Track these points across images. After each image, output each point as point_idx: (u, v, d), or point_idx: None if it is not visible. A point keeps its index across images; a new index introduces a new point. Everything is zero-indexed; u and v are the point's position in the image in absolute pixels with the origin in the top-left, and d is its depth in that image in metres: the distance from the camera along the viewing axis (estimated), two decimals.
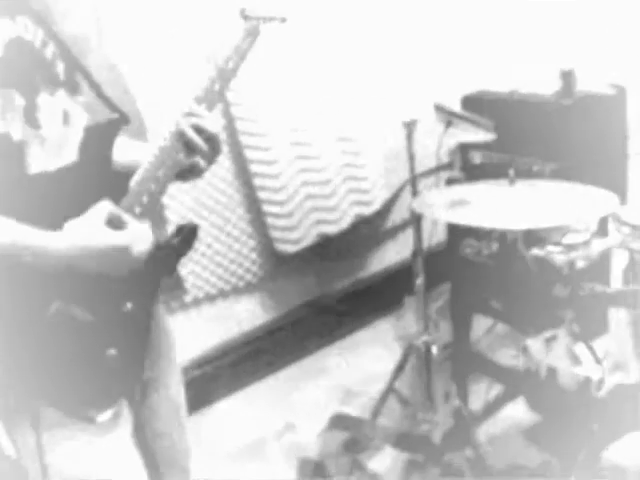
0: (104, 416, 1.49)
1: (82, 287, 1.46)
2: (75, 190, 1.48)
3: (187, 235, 1.64)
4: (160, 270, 1.60)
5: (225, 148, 3.16)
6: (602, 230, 2.35)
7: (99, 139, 1.58)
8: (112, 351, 1.49)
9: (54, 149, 1.47)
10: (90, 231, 1.42)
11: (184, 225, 1.64)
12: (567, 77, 3.17)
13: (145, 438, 1.72)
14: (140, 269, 1.50)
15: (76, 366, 1.46)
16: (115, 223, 1.45)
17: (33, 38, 1.50)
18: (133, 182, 1.53)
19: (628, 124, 3.24)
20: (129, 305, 1.52)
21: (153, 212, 1.54)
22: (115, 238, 1.43)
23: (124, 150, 1.68)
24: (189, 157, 1.58)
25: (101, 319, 1.48)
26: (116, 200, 1.49)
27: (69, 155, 1.50)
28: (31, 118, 1.44)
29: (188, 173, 1.63)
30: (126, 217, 1.47)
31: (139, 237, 1.47)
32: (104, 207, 1.44)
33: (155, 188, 1.53)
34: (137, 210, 1.50)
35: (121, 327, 1.52)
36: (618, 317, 2.50)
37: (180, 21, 2.90)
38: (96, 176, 1.55)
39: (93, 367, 1.48)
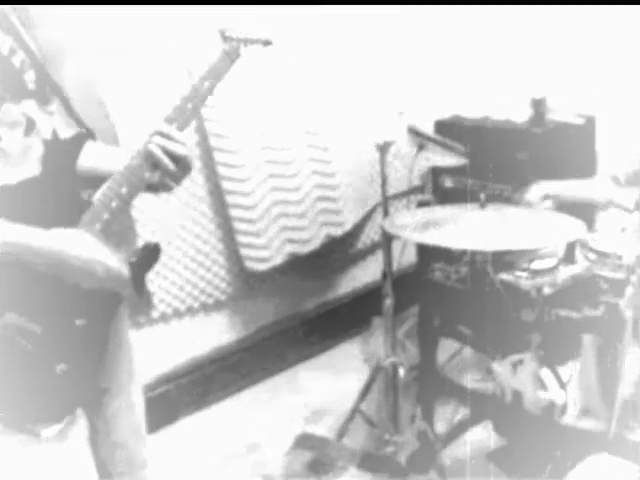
0: (50, 431, 1.47)
1: (34, 301, 1.44)
2: (37, 204, 1.46)
3: (147, 254, 1.61)
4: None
5: (198, 164, 3.16)
6: (569, 257, 2.38)
7: (63, 153, 1.56)
8: (62, 366, 1.46)
9: (14, 161, 1.45)
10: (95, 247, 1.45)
11: (146, 244, 1.62)
12: (538, 106, 3.23)
13: (101, 448, 1.70)
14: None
15: (23, 380, 1.44)
16: None
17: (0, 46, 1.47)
18: (95, 198, 1.51)
19: (597, 153, 3.30)
20: (82, 320, 1.50)
21: (115, 228, 1.52)
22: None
23: (93, 156, 1.66)
24: (157, 175, 1.56)
25: (51, 334, 1.46)
26: (78, 216, 1.48)
27: (31, 168, 1.47)
28: None
29: (157, 188, 1.61)
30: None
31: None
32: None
33: (117, 205, 1.50)
34: (97, 226, 1.48)
35: (73, 342, 1.49)
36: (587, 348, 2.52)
37: (160, 35, 2.90)
38: (58, 190, 1.53)
39: (41, 382, 1.46)
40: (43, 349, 1.45)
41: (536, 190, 2.45)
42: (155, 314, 3.18)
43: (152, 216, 3.04)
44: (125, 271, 1.50)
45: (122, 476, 1.78)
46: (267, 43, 1.64)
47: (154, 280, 3.11)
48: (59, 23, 2.32)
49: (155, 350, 3.12)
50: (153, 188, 1.60)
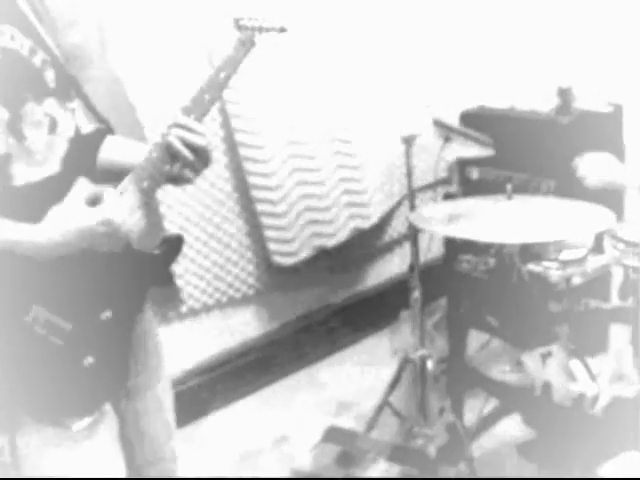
0: (80, 424, 1.49)
1: (60, 295, 1.46)
2: (59, 200, 1.48)
3: (171, 246, 1.63)
4: (144, 279, 1.60)
5: (225, 159, 3.17)
6: (598, 247, 2.36)
7: (83, 150, 1.57)
8: (89, 359, 1.48)
9: (39, 159, 1.46)
10: (72, 214, 1.44)
11: (169, 236, 1.64)
12: (565, 95, 3.20)
13: (130, 442, 1.71)
14: (124, 270, 1.52)
15: (51, 374, 1.46)
16: (95, 200, 1.47)
17: (20, 47, 1.47)
18: (117, 192, 1.52)
19: (624, 142, 3.26)
20: (108, 313, 1.52)
21: None
22: (96, 214, 1.45)
23: (112, 150, 1.67)
24: (176, 167, 1.57)
25: (79, 327, 1.47)
26: None
27: (53, 165, 1.49)
28: (15, 130, 1.43)
29: (176, 179, 1.62)
30: (105, 193, 1.48)
31: (119, 208, 1.48)
32: (82, 188, 1.48)
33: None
34: None
35: (100, 335, 1.51)
36: (618, 334, 2.50)
37: (184, 32, 2.91)
38: None
39: (69, 375, 1.47)
40: (70, 342, 1.46)
41: (583, 164, 2.43)
42: (184, 309, 3.20)
43: (179, 212, 3.06)
44: (134, 227, 1.51)
45: (151, 470, 1.79)
46: (282, 30, 1.63)
47: (183, 275, 3.13)
48: (89, 23, 2.33)
49: (184, 344, 3.15)
50: (172, 180, 1.61)
